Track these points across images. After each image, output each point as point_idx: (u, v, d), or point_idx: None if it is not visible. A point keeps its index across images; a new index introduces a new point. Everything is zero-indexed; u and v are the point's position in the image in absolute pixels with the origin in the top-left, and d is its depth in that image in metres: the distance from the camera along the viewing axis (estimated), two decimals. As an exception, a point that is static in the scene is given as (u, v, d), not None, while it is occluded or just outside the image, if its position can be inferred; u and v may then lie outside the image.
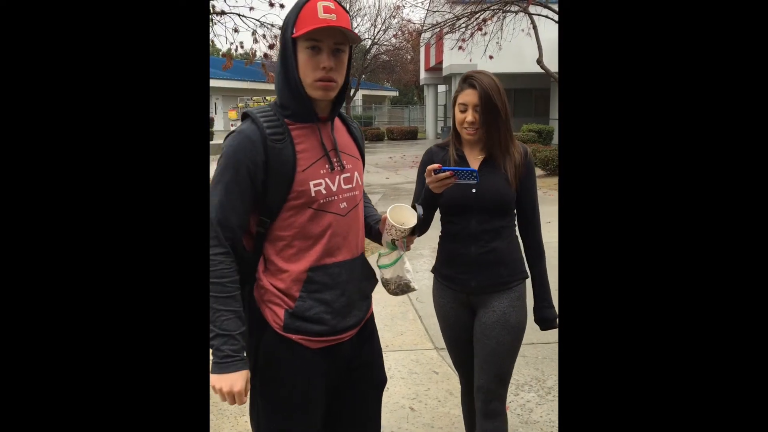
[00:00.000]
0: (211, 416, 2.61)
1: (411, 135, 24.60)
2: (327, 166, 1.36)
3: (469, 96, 1.73)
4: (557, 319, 1.80)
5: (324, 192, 1.35)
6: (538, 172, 10.86)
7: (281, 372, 1.37)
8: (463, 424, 2.10)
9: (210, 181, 1.26)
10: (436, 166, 1.56)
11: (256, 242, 1.38)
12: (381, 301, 4.29)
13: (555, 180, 10.05)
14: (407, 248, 1.55)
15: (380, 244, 1.58)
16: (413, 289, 1.61)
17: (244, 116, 1.37)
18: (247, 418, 2.59)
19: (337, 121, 1.46)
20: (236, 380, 1.26)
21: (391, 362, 3.24)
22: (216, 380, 1.26)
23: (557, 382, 2.93)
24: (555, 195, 8.64)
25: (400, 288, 1.60)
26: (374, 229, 1.59)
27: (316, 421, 1.43)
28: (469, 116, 1.74)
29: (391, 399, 2.83)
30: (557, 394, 2.79)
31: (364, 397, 1.55)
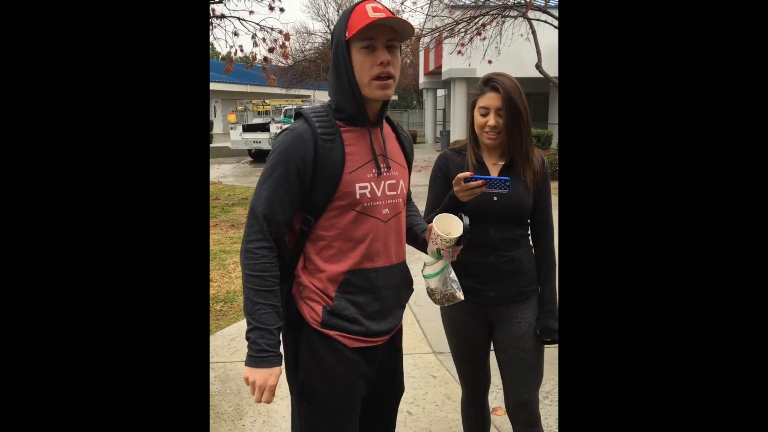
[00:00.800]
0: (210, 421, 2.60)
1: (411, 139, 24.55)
2: (374, 170, 1.38)
3: (491, 99, 1.67)
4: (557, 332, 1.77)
5: (368, 195, 1.37)
6: (537, 176, 10.81)
7: (324, 366, 1.38)
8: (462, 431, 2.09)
9: (260, 176, 1.34)
10: (467, 174, 1.53)
11: (299, 240, 1.40)
12: (379, 304, 4.28)
13: (554, 185, 10.03)
14: (453, 258, 1.54)
15: (426, 253, 1.58)
16: (459, 299, 1.58)
17: (297, 115, 1.40)
18: (245, 421, 2.60)
19: (387, 128, 1.49)
20: (270, 375, 1.28)
21: (389, 366, 3.23)
22: (250, 373, 1.27)
23: (555, 386, 2.93)
24: (554, 200, 8.60)
25: (446, 298, 1.58)
26: (420, 237, 1.60)
27: (356, 422, 1.44)
28: (491, 120, 1.67)
29: (389, 403, 2.83)
30: (555, 399, 2.79)
31: (387, 402, 1.57)
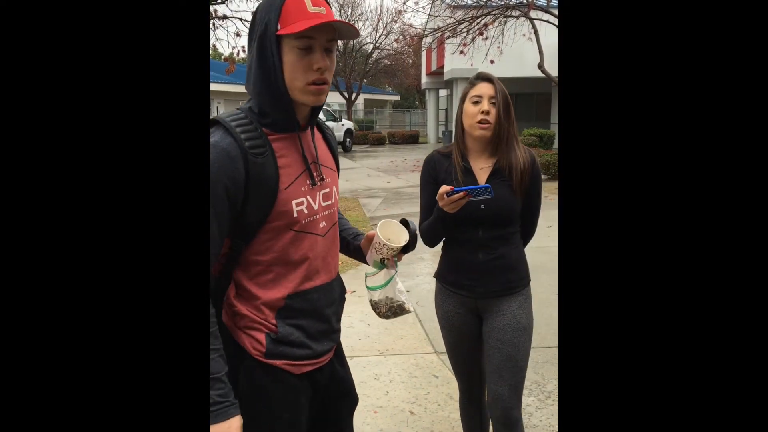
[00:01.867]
0: None
1: (412, 139, 24.63)
2: (308, 181, 1.23)
3: (484, 88, 1.68)
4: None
5: (306, 212, 1.22)
6: (539, 176, 10.83)
7: (268, 402, 1.25)
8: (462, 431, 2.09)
9: None
10: (447, 188, 1.52)
11: (226, 266, 1.23)
12: (381, 304, 4.30)
13: (555, 185, 10.05)
14: (397, 267, 1.44)
15: (359, 260, 1.48)
16: (408, 311, 1.49)
17: (213, 123, 1.17)
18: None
19: (309, 133, 1.30)
20: (229, 428, 1.11)
21: (390, 366, 3.24)
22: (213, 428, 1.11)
23: (557, 386, 2.93)
24: (555, 199, 8.62)
25: (392, 311, 1.49)
26: (352, 245, 1.47)
27: None
28: (485, 105, 1.65)
29: (391, 403, 2.83)
30: (557, 399, 2.79)
31: (340, 416, 1.45)
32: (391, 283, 1.45)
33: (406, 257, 1.51)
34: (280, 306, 1.23)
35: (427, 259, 5.37)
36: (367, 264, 1.44)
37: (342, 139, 20.37)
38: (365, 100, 37.04)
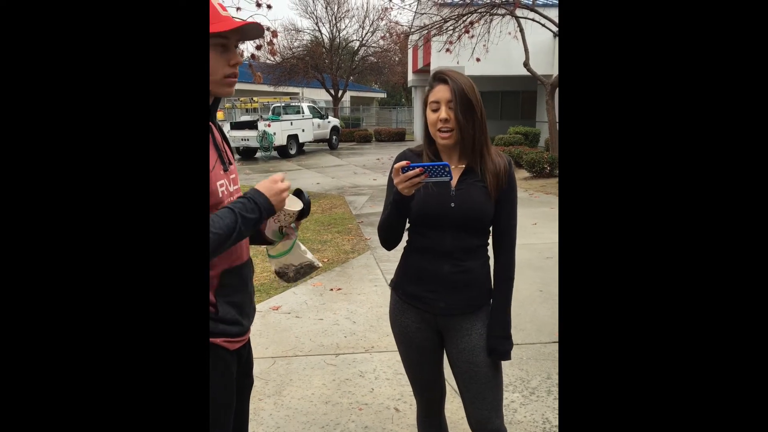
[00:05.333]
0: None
1: (399, 137, 24.65)
2: (221, 166, 1.36)
3: (441, 92, 1.56)
4: (510, 353, 1.66)
5: (226, 192, 1.35)
6: (525, 173, 10.92)
7: (213, 376, 1.34)
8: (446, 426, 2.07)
9: None
10: (403, 163, 1.41)
11: None
12: (367, 302, 4.29)
13: (541, 182, 10.12)
14: (297, 232, 1.53)
15: (259, 244, 1.56)
16: (317, 267, 1.58)
17: None
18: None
19: (212, 124, 1.45)
20: (274, 180, 1.33)
21: (376, 363, 3.24)
22: (261, 187, 1.31)
23: (541, 382, 2.96)
24: (540, 197, 8.70)
25: (301, 272, 1.57)
26: None
27: (231, 423, 1.43)
28: (443, 113, 1.55)
29: (377, 400, 2.84)
30: (541, 395, 2.82)
31: (243, 396, 1.54)
32: (294, 248, 1.53)
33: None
34: (216, 284, 1.33)
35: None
36: (267, 241, 1.53)
37: (328, 137, 20.31)
38: (352, 97, 36.97)
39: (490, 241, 1.69)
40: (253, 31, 1.34)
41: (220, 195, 1.33)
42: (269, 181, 1.34)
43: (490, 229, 1.67)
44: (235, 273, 1.37)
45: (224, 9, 1.30)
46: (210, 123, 1.36)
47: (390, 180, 1.62)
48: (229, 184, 1.37)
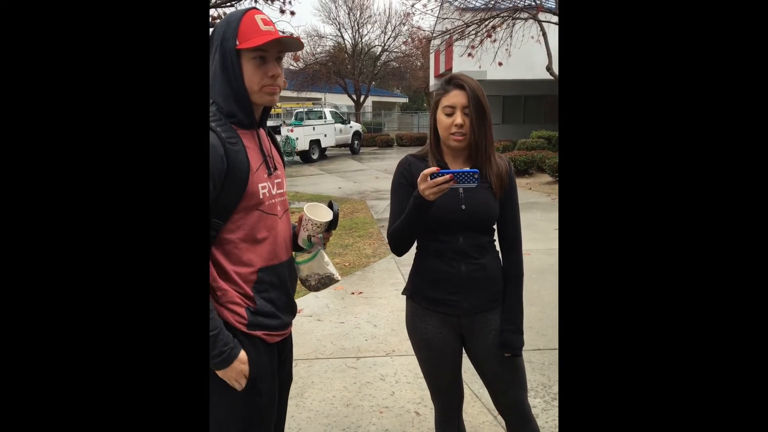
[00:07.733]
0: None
1: (420, 141, 24.56)
2: (266, 170, 1.44)
3: (456, 97, 1.59)
4: (522, 349, 1.71)
5: (268, 194, 1.43)
6: (547, 178, 10.82)
7: (255, 367, 1.42)
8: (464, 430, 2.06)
9: None
10: (433, 169, 1.44)
11: None
12: (388, 305, 4.30)
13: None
14: (324, 245, 1.60)
15: (295, 249, 1.63)
16: (337, 280, 1.65)
17: None
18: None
19: (262, 131, 1.52)
20: (241, 364, 1.36)
21: (397, 367, 3.25)
22: (224, 374, 1.34)
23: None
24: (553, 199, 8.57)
25: (322, 282, 1.63)
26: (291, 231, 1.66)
27: (274, 415, 1.52)
28: (458, 118, 1.59)
29: (397, 403, 2.84)
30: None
31: (285, 391, 1.63)
32: (317, 256, 1.60)
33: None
34: (253, 279, 1.42)
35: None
36: (299, 248, 1.60)
37: (350, 142, 20.38)
38: (373, 102, 37.02)
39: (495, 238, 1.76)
40: (293, 44, 1.42)
41: (261, 196, 1.41)
42: (234, 375, 1.36)
43: (494, 226, 1.74)
44: (272, 271, 1.45)
45: (267, 23, 1.38)
46: (256, 131, 1.45)
47: (394, 188, 1.71)
48: (272, 187, 1.45)
